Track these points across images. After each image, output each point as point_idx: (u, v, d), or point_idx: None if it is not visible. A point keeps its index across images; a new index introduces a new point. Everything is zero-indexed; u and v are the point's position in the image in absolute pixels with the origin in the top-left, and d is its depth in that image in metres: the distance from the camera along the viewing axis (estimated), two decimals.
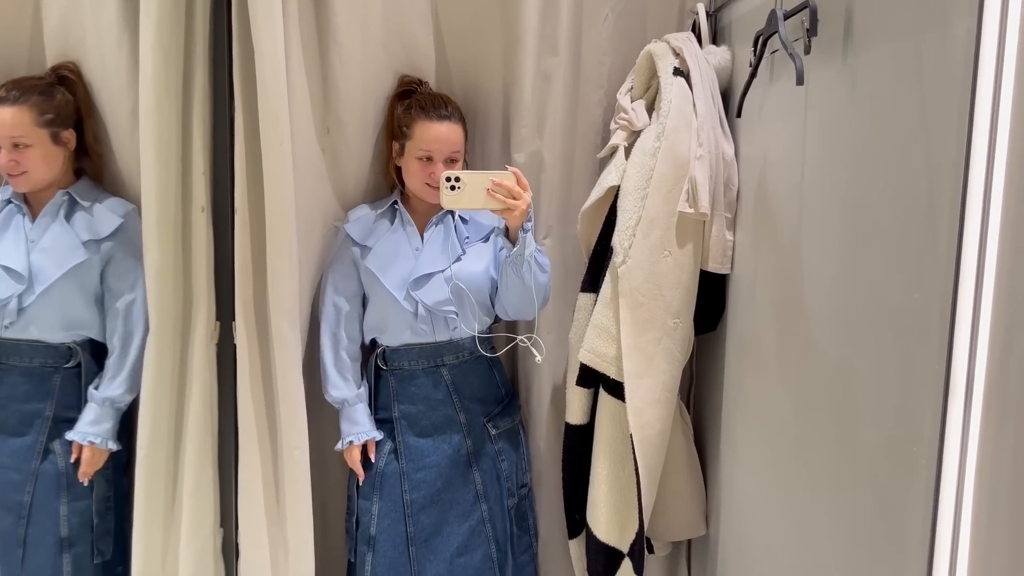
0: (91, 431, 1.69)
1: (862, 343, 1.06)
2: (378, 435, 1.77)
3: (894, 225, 0.98)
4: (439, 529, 1.75)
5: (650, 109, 1.72)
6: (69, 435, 1.69)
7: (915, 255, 0.93)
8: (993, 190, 0.81)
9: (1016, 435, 0.80)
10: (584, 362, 1.70)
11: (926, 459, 0.89)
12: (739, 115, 1.53)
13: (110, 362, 1.74)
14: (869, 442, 1.04)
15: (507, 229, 1.63)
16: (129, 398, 1.73)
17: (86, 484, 1.70)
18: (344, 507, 1.91)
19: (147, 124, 1.59)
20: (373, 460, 1.77)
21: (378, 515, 1.74)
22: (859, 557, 1.06)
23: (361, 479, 1.76)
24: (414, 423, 1.76)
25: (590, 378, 1.75)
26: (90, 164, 1.78)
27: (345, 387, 1.78)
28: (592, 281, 1.77)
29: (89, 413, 1.70)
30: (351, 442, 1.75)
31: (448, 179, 1.55)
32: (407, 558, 1.73)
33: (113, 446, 1.71)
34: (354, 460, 1.76)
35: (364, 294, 1.80)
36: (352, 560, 1.81)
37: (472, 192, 1.55)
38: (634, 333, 1.62)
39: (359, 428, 1.76)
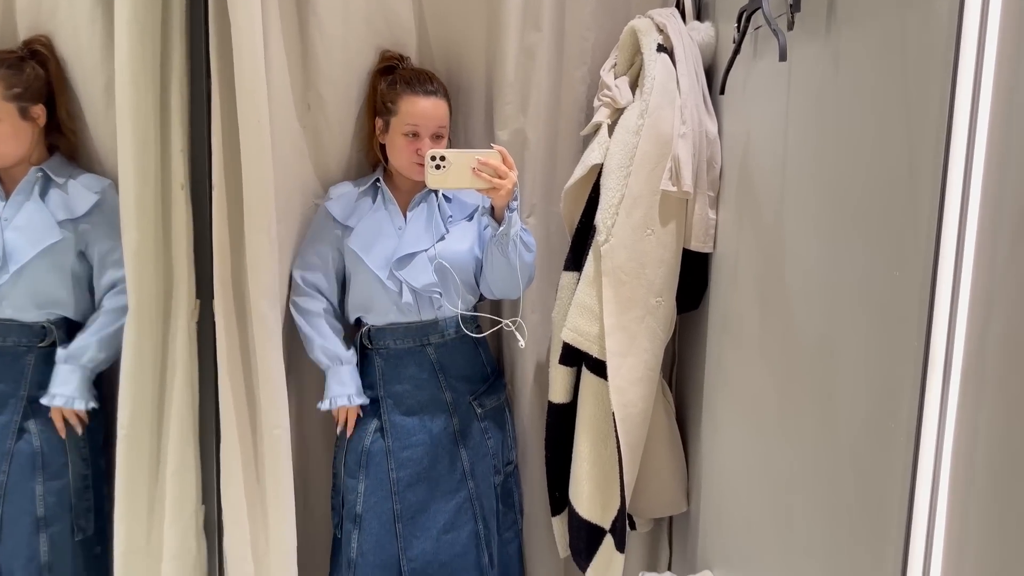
0: (57, 392, 1.67)
1: (842, 321, 1.07)
2: (365, 400, 1.76)
3: (875, 203, 0.98)
4: (426, 506, 1.75)
5: (634, 86, 1.70)
6: (43, 400, 1.67)
7: (896, 233, 0.93)
8: (973, 169, 0.81)
9: (993, 412, 0.80)
10: (567, 341, 1.70)
11: (904, 436, 0.90)
12: (722, 92, 1.53)
13: (87, 325, 1.72)
14: (848, 419, 1.05)
15: (492, 208, 1.62)
16: (98, 357, 1.71)
17: (71, 434, 1.68)
18: (326, 484, 1.91)
19: (123, 101, 1.55)
20: (357, 422, 1.76)
21: (364, 493, 1.74)
22: (838, 532, 1.08)
23: (350, 431, 1.76)
24: (400, 402, 1.76)
25: (573, 357, 1.75)
26: (63, 141, 1.75)
27: (334, 346, 1.76)
28: (575, 260, 1.76)
29: (56, 375, 1.68)
30: (341, 404, 1.74)
31: (433, 158, 1.53)
32: (394, 535, 1.73)
33: (80, 405, 1.68)
34: (349, 417, 1.75)
35: (344, 272, 1.79)
36: (339, 536, 1.81)
37: (457, 171, 1.54)
38: (617, 312, 1.62)
39: (347, 390, 1.74)
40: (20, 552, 1.67)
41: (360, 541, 1.74)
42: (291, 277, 1.79)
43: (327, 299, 1.79)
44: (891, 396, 0.93)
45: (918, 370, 0.87)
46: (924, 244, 0.86)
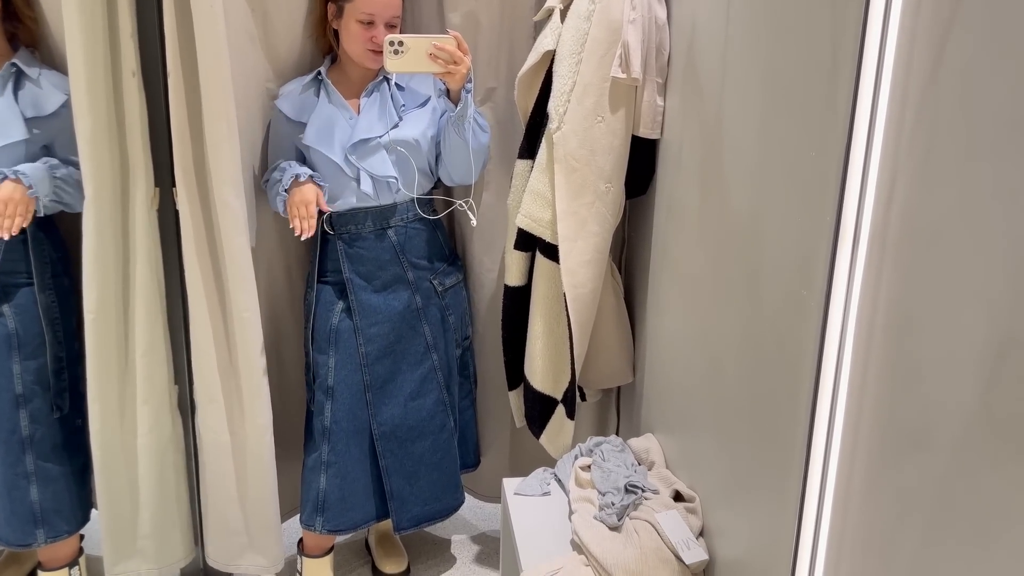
0: (25, 170, 1.60)
1: (769, 201, 1.16)
2: (306, 171, 1.72)
3: (801, 89, 1.05)
4: (393, 376, 1.88)
5: None
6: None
7: (817, 116, 1.01)
8: (885, 60, 0.88)
9: (893, 277, 0.91)
10: (521, 227, 1.77)
11: (816, 302, 1.01)
12: None
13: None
14: (771, 289, 1.16)
15: (448, 91, 1.66)
16: (65, 172, 1.70)
17: (8, 236, 1.61)
18: (299, 358, 2.02)
19: None
20: (323, 194, 1.77)
21: (335, 368, 1.86)
22: (760, 390, 1.20)
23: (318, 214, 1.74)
24: (365, 282, 1.85)
25: (527, 242, 1.83)
26: (23, 29, 1.73)
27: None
28: (529, 147, 1.81)
29: (27, 167, 1.63)
30: (286, 190, 1.71)
31: (391, 43, 1.58)
32: (364, 403, 1.87)
33: (41, 196, 1.63)
34: (303, 202, 1.69)
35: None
36: (312, 409, 1.93)
37: (414, 56, 1.59)
38: (568, 198, 1.69)
39: (290, 171, 1.71)
40: (2, 426, 1.75)
41: (333, 410, 1.86)
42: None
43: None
44: (806, 267, 1.03)
45: (830, 243, 0.96)
46: (840, 127, 0.94)
